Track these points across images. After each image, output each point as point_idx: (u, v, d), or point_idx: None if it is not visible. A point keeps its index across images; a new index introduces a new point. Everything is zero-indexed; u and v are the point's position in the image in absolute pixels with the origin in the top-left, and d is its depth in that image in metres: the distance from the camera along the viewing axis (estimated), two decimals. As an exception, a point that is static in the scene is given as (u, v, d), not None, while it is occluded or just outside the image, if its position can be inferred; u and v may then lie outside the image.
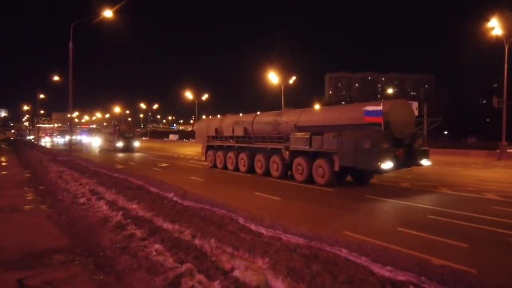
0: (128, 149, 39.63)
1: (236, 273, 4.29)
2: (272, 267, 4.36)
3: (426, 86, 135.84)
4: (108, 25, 24.50)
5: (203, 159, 22.92)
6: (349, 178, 14.70)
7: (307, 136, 14.19)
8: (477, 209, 9.36)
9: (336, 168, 13.11)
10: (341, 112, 15.07)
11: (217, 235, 5.62)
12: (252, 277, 4.13)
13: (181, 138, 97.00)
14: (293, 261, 4.38)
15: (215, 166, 20.46)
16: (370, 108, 12.29)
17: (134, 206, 8.17)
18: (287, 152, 15.17)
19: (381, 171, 12.33)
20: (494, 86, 57.91)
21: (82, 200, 9.39)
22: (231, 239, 5.40)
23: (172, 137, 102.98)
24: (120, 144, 39.79)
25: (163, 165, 23.60)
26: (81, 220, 7.64)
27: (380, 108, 11.99)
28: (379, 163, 11.60)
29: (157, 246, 5.42)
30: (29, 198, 10.64)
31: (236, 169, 18.59)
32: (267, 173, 16.57)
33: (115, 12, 22.52)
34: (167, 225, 6.48)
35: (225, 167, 19.48)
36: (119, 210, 7.85)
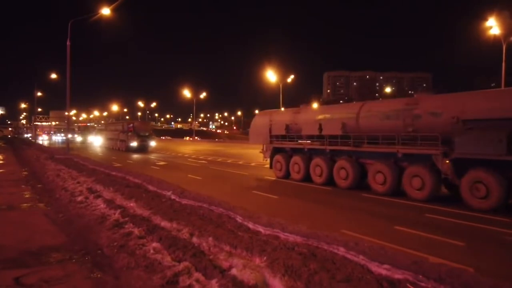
0: (143, 149, 35.70)
1: (234, 271, 4.29)
2: (270, 265, 4.36)
3: (424, 85, 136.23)
4: (106, 22, 24.44)
5: (261, 163, 19.43)
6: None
7: None
8: None
9: None
10: None
11: (215, 233, 5.62)
12: (250, 276, 4.14)
13: (179, 136, 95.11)
14: (291, 260, 4.38)
15: (287, 175, 15.40)
16: None
17: (132, 204, 8.16)
18: (447, 162, 10.14)
19: None
20: (492, 85, 58.04)
21: (79, 198, 9.37)
22: (229, 238, 5.39)
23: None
24: (134, 143, 35.50)
25: (161, 163, 23.56)
26: (79, 218, 7.62)
27: None
28: None
29: (154, 244, 5.42)
30: (27, 196, 10.61)
31: (329, 182, 13.38)
32: (393, 191, 11.38)
33: (113, 10, 22.47)
34: (165, 224, 6.47)
35: (307, 179, 14.29)
36: (116, 208, 7.84)
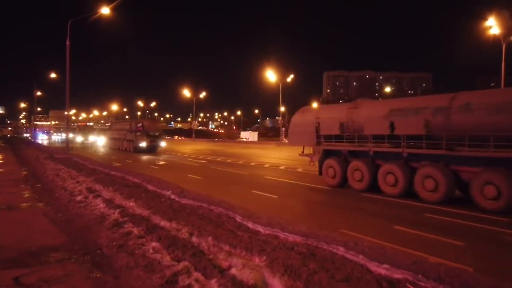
0: (152, 150, 33.99)
1: (233, 271, 4.28)
2: (269, 265, 4.36)
3: (424, 84, 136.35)
4: (106, 22, 24.41)
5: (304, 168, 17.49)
6: None
7: None
8: None
9: None
10: None
11: (215, 233, 5.62)
12: (250, 275, 4.13)
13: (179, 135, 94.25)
14: (290, 259, 4.38)
15: (342, 184, 12.95)
16: None
17: (131, 204, 8.16)
18: None
19: None
20: (492, 85, 58.08)
21: (79, 198, 9.37)
22: (228, 237, 5.39)
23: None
24: (143, 144, 33.39)
25: (161, 163, 23.55)
26: (78, 218, 7.62)
27: None
28: None
29: (154, 244, 5.42)
30: (26, 196, 10.60)
31: (406, 194, 10.90)
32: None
33: (112, 9, 22.45)
34: (164, 223, 6.47)
35: (372, 188, 11.81)
36: (116, 208, 7.83)
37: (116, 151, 37.29)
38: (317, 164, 14.13)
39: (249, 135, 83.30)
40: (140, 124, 35.15)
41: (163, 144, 35.56)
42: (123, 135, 37.49)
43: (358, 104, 13.38)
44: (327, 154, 13.65)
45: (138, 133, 34.16)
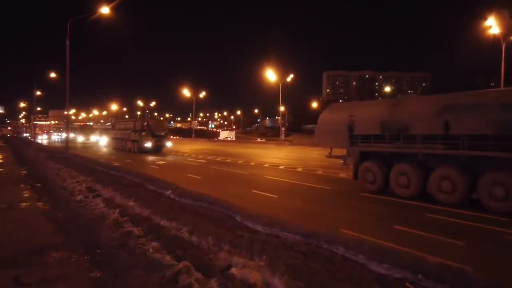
0: (158, 150, 33.02)
1: (234, 270, 4.29)
2: (269, 264, 4.36)
3: (424, 84, 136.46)
4: (106, 22, 24.40)
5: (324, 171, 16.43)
6: None
7: None
8: None
9: None
10: None
11: (215, 232, 5.62)
12: (250, 275, 4.13)
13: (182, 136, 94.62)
14: (291, 259, 4.39)
15: (383, 189, 11.54)
16: None
17: (131, 203, 8.16)
18: None
19: None
20: (491, 84, 58.10)
21: (79, 197, 9.37)
22: (228, 237, 5.40)
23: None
24: (148, 144, 32.28)
25: (161, 162, 23.55)
26: (78, 217, 7.62)
27: None
28: None
29: (154, 243, 5.42)
30: (26, 195, 10.59)
31: (466, 202, 9.65)
32: None
33: (112, 9, 22.45)
34: (164, 223, 6.47)
35: (421, 196, 10.48)
36: (116, 207, 7.84)
37: (119, 151, 36.30)
38: (348, 167, 12.85)
39: (227, 134, 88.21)
40: (145, 124, 33.89)
41: (169, 144, 34.47)
42: (127, 135, 36.04)
43: (400, 100, 12.18)
44: (365, 156, 12.21)
45: (143, 133, 32.94)
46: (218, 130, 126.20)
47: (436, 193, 10.10)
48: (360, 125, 12.24)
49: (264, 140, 76.84)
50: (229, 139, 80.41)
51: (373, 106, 13.50)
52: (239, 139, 79.00)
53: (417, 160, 10.81)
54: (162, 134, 33.73)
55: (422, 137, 10.62)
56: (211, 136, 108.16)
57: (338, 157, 13.58)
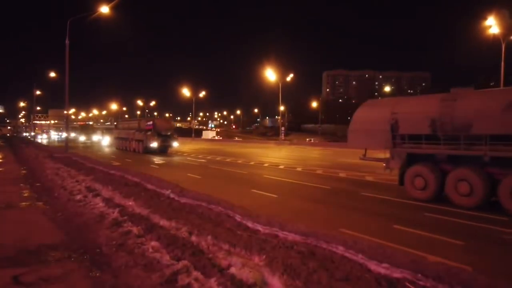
0: (164, 150, 31.73)
1: (233, 270, 4.29)
2: (268, 264, 4.36)
3: (423, 84, 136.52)
4: (105, 21, 24.40)
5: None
6: None
7: None
8: None
9: None
10: None
11: (214, 232, 5.62)
12: (249, 274, 4.13)
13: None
14: (290, 258, 4.39)
15: (435, 197, 10.17)
16: None
17: (130, 203, 8.15)
18: None
19: None
20: (491, 84, 58.12)
21: (78, 197, 9.37)
22: (228, 236, 5.40)
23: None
24: (154, 144, 30.67)
25: (160, 162, 23.54)
26: (77, 217, 7.62)
27: None
28: None
29: (153, 243, 5.42)
30: (25, 194, 10.59)
31: None
32: None
33: (112, 8, 22.43)
34: (163, 222, 6.47)
35: (487, 206, 9.21)
36: (115, 207, 7.83)
37: (121, 151, 35.13)
38: (391, 171, 11.47)
39: (210, 134, 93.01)
40: (150, 123, 32.08)
41: (175, 144, 32.62)
42: (131, 134, 34.52)
43: (456, 95, 10.48)
44: (413, 159, 10.81)
45: (149, 133, 31.31)
46: (203, 128, 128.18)
47: (509, 204, 8.69)
48: (407, 124, 10.79)
49: (239, 139, 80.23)
50: (216, 138, 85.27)
51: (421, 102, 11.81)
52: (224, 139, 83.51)
53: (481, 165, 9.43)
54: (169, 133, 32.19)
55: (489, 137, 9.23)
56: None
57: (375, 159, 12.47)
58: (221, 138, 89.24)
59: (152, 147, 30.69)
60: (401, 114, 10.97)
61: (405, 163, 10.93)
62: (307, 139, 73.57)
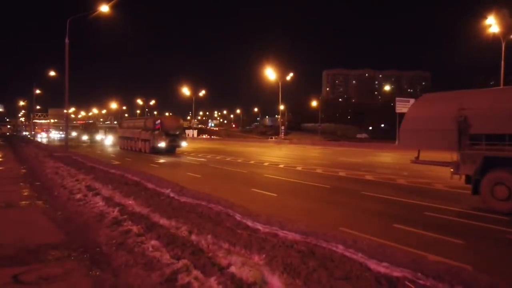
0: (172, 150, 30.23)
1: (233, 269, 4.28)
2: (268, 263, 4.36)
3: (423, 83, 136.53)
4: (105, 20, 24.38)
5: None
6: None
7: None
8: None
9: None
10: None
11: (214, 231, 5.61)
12: (249, 273, 4.13)
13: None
14: (290, 257, 4.38)
15: None
16: None
17: (130, 202, 8.15)
18: None
19: None
20: (491, 83, 58.10)
21: (78, 196, 9.36)
22: (227, 235, 5.39)
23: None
24: (162, 144, 29.05)
25: (160, 161, 23.53)
26: (77, 216, 7.61)
27: None
28: None
29: (153, 242, 5.41)
30: (25, 193, 10.59)
31: None
32: None
33: (112, 7, 22.41)
34: (163, 221, 6.46)
35: None
36: (115, 206, 7.82)
37: (126, 151, 33.89)
38: (460, 177, 9.87)
39: (191, 133, 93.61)
40: (158, 121, 30.18)
41: (184, 144, 30.84)
42: (137, 134, 32.68)
43: None
44: (491, 163, 8.96)
45: (156, 132, 29.56)
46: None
47: None
48: (483, 121, 9.08)
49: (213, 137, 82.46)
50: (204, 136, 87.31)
51: (498, 94, 10.04)
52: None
53: None
54: (177, 133, 30.51)
55: None
56: (209, 134, 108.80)
57: (433, 163, 11.01)
58: (209, 137, 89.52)
59: (159, 147, 29.20)
60: (474, 110, 9.26)
61: (481, 168, 9.08)
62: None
